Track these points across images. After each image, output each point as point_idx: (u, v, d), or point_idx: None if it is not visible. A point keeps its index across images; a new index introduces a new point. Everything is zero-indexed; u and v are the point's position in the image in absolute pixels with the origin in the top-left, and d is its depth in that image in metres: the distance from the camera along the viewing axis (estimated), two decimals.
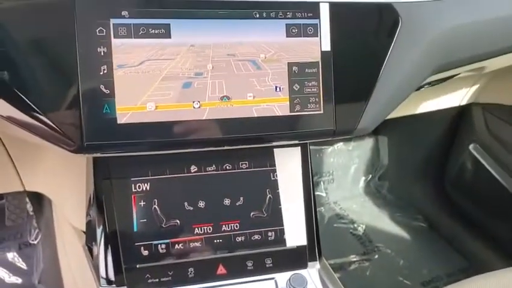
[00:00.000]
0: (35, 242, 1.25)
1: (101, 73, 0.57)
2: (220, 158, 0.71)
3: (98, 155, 0.64)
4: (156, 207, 0.68)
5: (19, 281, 1.22)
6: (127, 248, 0.67)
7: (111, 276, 0.66)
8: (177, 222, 0.69)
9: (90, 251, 0.72)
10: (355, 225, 1.61)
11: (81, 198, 0.73)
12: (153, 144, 0.60)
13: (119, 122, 0.58)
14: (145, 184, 0.68)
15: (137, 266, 0.67)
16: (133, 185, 0.68)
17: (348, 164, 1.73)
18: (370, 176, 1.76)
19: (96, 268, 0.68)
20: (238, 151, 0.71)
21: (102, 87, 0.57)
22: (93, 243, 0.69)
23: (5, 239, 1.23)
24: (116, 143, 0.59)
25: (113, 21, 0.57)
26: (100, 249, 0.67)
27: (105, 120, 0.58)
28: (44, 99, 0.56)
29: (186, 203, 0.70)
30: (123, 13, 0.58)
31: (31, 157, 0.85)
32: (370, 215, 1.66)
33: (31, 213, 1.26)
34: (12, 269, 1.22)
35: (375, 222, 1.63)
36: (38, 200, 1.20)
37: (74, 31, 0.56)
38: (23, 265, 1.23)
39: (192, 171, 0.71)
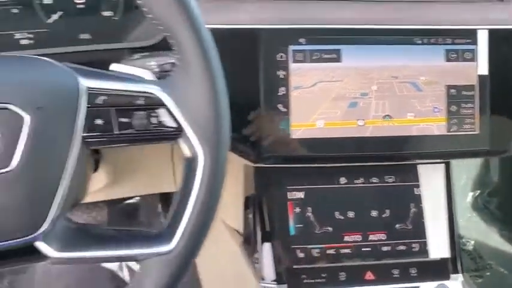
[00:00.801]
0: None
1: (280, 94, 0.65)
2: (368, 172, 0.76)
3: (273, 165, 0.71)
4: (310, 214, 0.74)
5: None
6: (284, 249, 0.73)
7: (272, 275, 0.73)
8: (329, 230, 0.75)
9: (248, 250, 0.79)
10: (464, 241, 1.59)
11: (237, 201, 0.81)
12: (321, 158, 0.67)
13: (292, 137, 0.65)
14: (300, 193, 0.75)
15: (294, 266, 0.73)
16: (288, 193, 0.74)
17: (456, 178, 1.70)
18: (479, 191, 1.72)
19: (255, 266, 0.75)
20: (384, 166, 0.76)
21: (280, 106, 0.65)
22: (251, 243, 0.77)
23: None
24: (289, 156, 0.66)
25: (291, 47, 0.65)
26: (259, 249, 0.74)
27: (281, 135, 0.65)
28: (230, 115, 0.64)
29: (337, 213, 0.75)
30: (300, 40, 0.65)
31: None
32: (478, 231, 1.62)
33: (159, 210, 1.37)
34: None
35: (484, 238, 1.59)
36: (167, 199, 1.30)
37: (258, 56, 0.64)
38: None
39: (342, 183, 0.76)
